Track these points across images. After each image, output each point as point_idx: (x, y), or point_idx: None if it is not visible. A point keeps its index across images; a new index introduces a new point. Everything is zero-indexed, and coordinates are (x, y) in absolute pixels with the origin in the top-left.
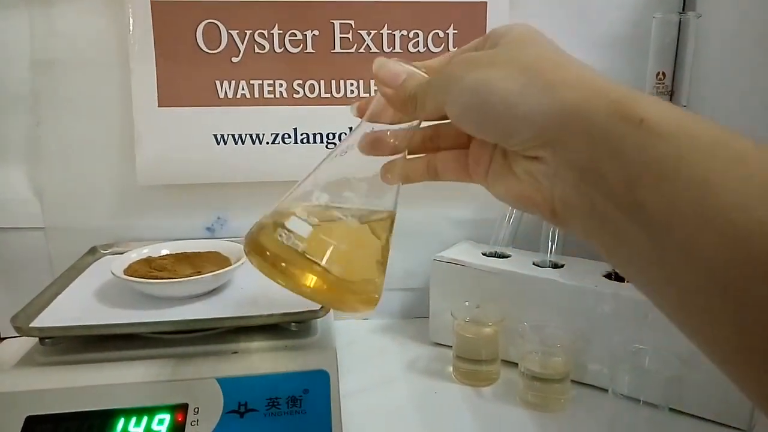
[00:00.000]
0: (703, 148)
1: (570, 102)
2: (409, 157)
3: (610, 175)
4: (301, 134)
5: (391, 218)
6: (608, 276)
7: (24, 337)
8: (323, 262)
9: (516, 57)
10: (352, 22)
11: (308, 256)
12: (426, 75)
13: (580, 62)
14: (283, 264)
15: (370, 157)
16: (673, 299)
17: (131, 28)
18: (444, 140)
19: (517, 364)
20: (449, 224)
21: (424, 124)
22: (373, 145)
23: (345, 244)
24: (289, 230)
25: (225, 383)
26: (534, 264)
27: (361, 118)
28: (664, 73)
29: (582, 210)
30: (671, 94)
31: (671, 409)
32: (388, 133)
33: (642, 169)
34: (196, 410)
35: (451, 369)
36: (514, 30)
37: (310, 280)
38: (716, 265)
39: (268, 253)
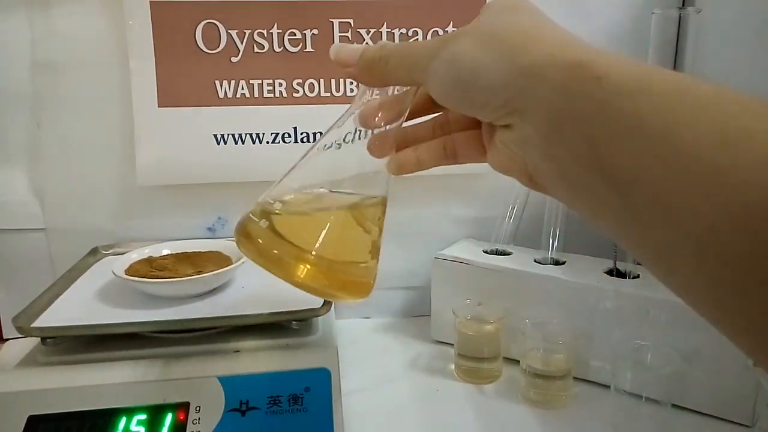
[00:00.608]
0: (664, 100)
1: (527, 67)
2: (423, 144)
3: (572, 137)
4: (301, 133)
5: (383, 204)
6: (610, 272)
7: (26, 338)
8: (313, 248)
9: (486, 26)
10: (351, 21)
11: (297, 243)
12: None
13: (555, 28)
14: (274, 251)
15: (359, 144)
16: (651, 255)
17: (130, 28)
18: (455, 125)
19: (518, 361)
20: (450, 222)
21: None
22: (365, 121)
23: (335, 231)
24: (283, 216)
25: (226, 382)
26: (535, 261)
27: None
28: None
29: (553, 175)
30: None
31: (674, 405)
32: (378, 104)
33: (603, 126)
34: (198, 409)
35: (452, 367)
36: (500, 0)
37: (301, 267)
38: (688, 218)
39: (260, 240)
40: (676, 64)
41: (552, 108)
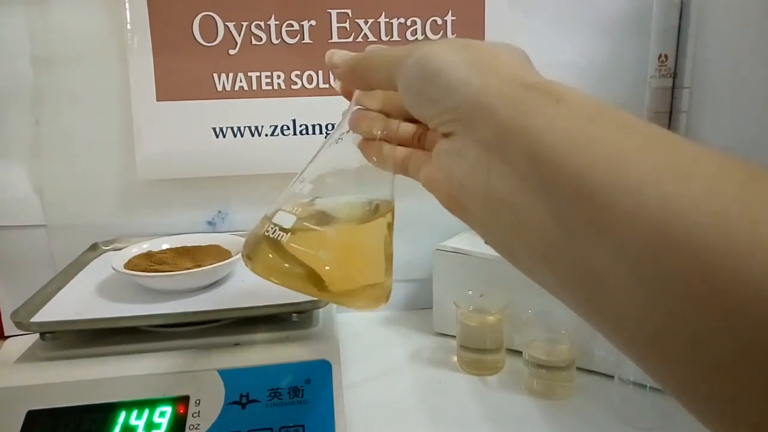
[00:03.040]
0: (615, 129)
1: (489, 77)
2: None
3: (515, 148)
4: (300, 125)
5: (392, 211)
6: None
7: (27, 335)
8: (325, 265)
9: (465, 40)
10: (349, 11)
11: (308, 260)
12: None
13: (527, 63)
14: (285, 266)
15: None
16: (577, 283)
17: (128, 22)
18: (429, 141)
19: (521, 352)
20: (451, 214)
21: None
22: (357, 124)
23: (347, 246)
24: (295, 232)
25: (226, 375)
26: None
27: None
28: (666, 56)
29: (478, 191)
30: (674, 76)
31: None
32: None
33: (551, 143)
34: (198, 402)
35: (455, 359)
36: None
37: (314, 284)
38: (624, 242)
39: (270, 256)
40: (678, 50)
41: (502, 119)
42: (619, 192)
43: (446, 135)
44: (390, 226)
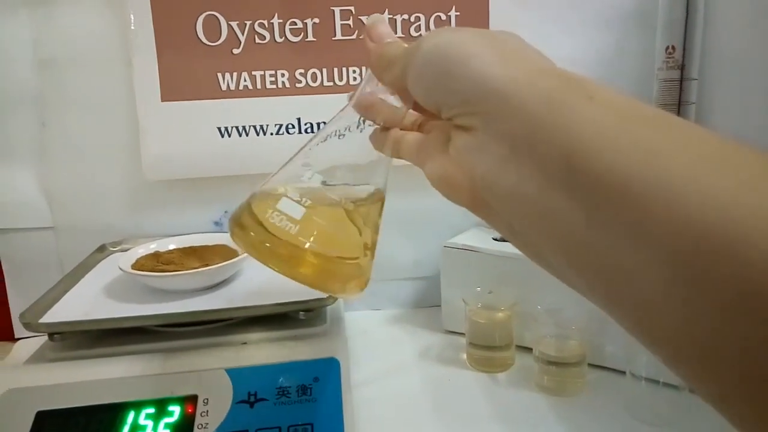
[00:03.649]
0: (649, 126)
1: (516, 69)
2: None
3: (546, 145)
4: (305, 124)
5: (381, 201)
6: None
7: (37, 338)
8: (305, 243)
9: (487, 32)
10: (352, 8)
11: (297, 237)
12: None
13: (540, 52)
14: (266, 245)
15: (360, 137)
16: (606, 282)
17: (131, 23)
18: (428, 128)
19: (531, 349)
20: (458, 211)
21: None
22: (367, 108)
23: (329, 226)
24: (280, 211)
25: (234, 374)
26: None
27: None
28: (673, 47)
29: (505, 188)
30: (682, 68)
31: (692, 390)
32: (382, 99)
33: (584, 140)
34: (206, 401)
35: (464, 356)
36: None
37: (293, 261)
38: (661, 239)
39: (252, 233)
40: (685, 41)
41: (533, 114)
42: (654, 188)
43: (464, 128)
44: (378, 214)
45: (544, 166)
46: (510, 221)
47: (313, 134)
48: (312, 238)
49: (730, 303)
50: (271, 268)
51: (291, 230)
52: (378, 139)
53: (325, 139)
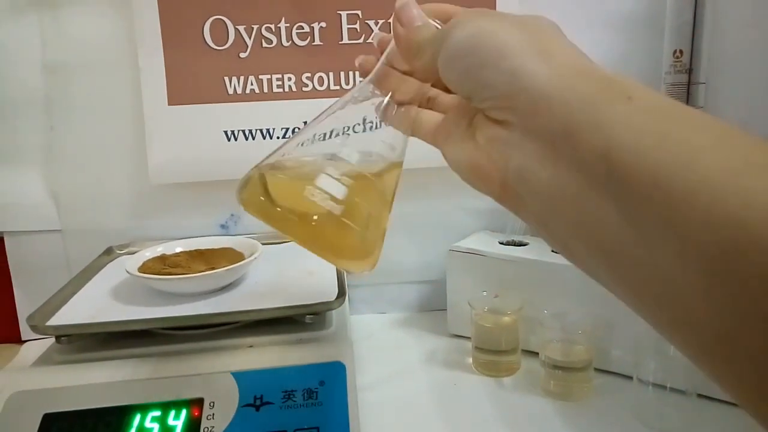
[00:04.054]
0: (687, 127)
1: (560, 70)
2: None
3: (586, 144)
4: None
5: (398, 170)
6: None
7: (44, 340)
8: (320, 207)
9: (524, 21)
10: (359, 12)
11: (303, 201)
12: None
13: (575, 46)
14: (278, 209)
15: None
16: (640, 280)
17: (139, 27)
18: (438, 104)
19: (537, 353)
20: (465, 214)
21: None
22: (383, 81)
23: (346, 192)
24: (318, 187)
25: (240, 377)
26: (553, 251)
27: (363, 76)
28: (681, 51)
29: (542, 182)
30: (689, 72)
31: (699, 395)
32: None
33: (623, 140)
34: (212, 404)
35: (470, 360)
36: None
37: (304, 225)
38: (700, 237)
39: (262, 198)
40: (693, 45)
41: (572, 113)
42: (694, 189)
43: (497, 121)
44: (394, 192)
45: (582, 164)
46: (541, 214)
47: (330, 105)
48: (326, 204)
49: (764, 299)
50: (277, 230)
51: (303, 195)
52: (392, 115)
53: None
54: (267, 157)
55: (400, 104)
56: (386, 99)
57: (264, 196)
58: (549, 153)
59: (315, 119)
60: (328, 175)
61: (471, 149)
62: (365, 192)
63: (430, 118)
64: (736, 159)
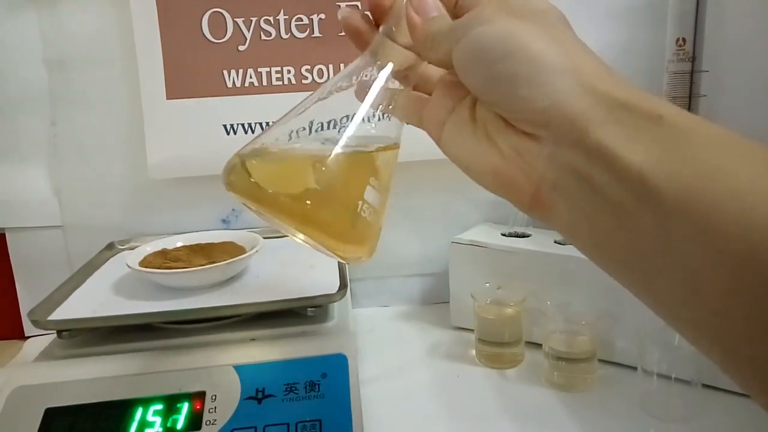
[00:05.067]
0: (714, 142)
1: (594, 90)
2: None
3: (623, 161)
4: (311, 121)
5: (395, 153)
6: None
7: (47, 336)
8: (313, 187)
9: (551, 23)
10: (358, 4)
11: (294, 183)
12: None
13: (592, 53)
14: (269, 191)
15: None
16: (672, 283)
17: (136, 21)
18: (423, 81)
19: (541, 344)
20: (467, 206)
21: None
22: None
23: (338, 173)
24: (309, 166)
25: (242, 370)
26: (555, 242)
27: (348, 33)
28: (684, 39)
29: (578, 195)
30: (692, 60)
31: (704, 386)
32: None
33: (658, 156)
34: (214, 398)
35: (473, 352)
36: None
37: (296, 207)
38: (729, 243)
39: (252, 179)
40: (696, 33)
41: (607, 134)
42: (724, 199)
43: (527, 133)
44: (390, 167)
45: (619, 179)
46: (573, 224)
47: (324, 85)
48: (319, 184)
49: None
50: (268, 215)
51: (294, 175)
52: (391, 101)
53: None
54: (252, 141)
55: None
56: (388, 72)
57: (254, 178)
58: (585, 168)
59: (302, 101)
60: (320, 155)
61: (495, 159)
62: (360, 171)
63: (434, 109)
64: (758, 171)
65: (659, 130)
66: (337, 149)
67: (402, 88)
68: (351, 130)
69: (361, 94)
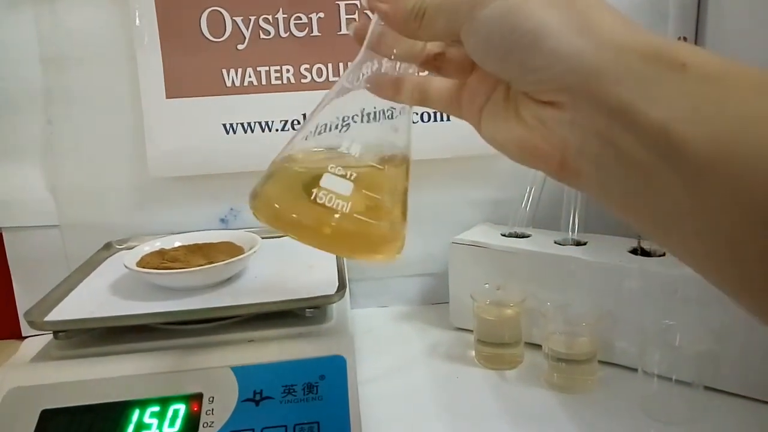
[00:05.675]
0: (747, 90)
1: (607, 45)
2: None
3: (645, 118)
4: None
5: (406, 161)
6: (634, 252)
7: (44, 336)
8: (336, 211)
9: None
10: (357, 2)
11: (317, 204)
12: None
13: (613, 7)
14: (293, 215)
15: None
16: (708, 251)
17: (136, 19)
18: (448, 64)
19: (541, 346)
20: (467, 206)
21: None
22: (379, 86)
23: (357, 190)
24: (328, 190)
25: (240, 372)
26: (555, 243)
27: (360, 44)
28: (685, 38)
29: (604, 158)
30: None
31: (706, 387)
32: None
33: (682, 110)
34: (211, 399)
35: (473, 353)
36: None
37: (323, 230)
38: (762, 207)
39: (276, 205)
40: (697, 32)
41: (626, 91)
42: (756, 156)
43: (547, 102)
44: (405, 176)
45: (642, 138)
46: (603, 186)
47: (326, 96)
48: (340, 204)
49: None
50: (296, 238)
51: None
52: (391, 86)
53: (342, 101)
54: (278, 156)
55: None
56: (383, 64)
57: (278, 203)
58: (607, 130)
59: (316, 107)
60: (332, 173)
61: (520, 130)
62: (374, 182)
63: (441, 84)
64: None
65: (684, 80)
66: (348, 162)
67: (424, 73)
68: (358, 138)
69: (377, 89)
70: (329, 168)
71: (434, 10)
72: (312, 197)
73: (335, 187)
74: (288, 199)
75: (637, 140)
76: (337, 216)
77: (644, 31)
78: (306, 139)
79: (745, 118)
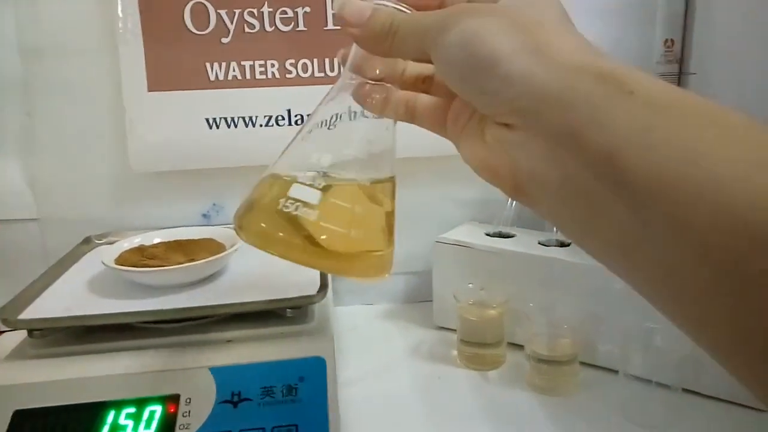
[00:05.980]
0: (694, 120)
1: (555, 70)
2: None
3: (590, 144)
4: (295, 115)
5: (392, 182)
6: None
7: (19, 331)
8: (322, 231)
9: (516, 14)
10: None
11: (303, 226)
12: (408, 11)
13: (578, 33)
14: (279, 234)
15: (355, 124)
16: (654, 279)
17: (118, 11)
18: (436, 85)
19: (523, 346)
20: (451, 205)
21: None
22: (363, 99)
23: (345, 210)
24: (295, 199)
25: (218, 372)
26: (539, 243)
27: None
28: (672, 41)
29: (552, 183)
30: (680, 62)
31: (685, 390)
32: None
33: (628, 138)
34: (188, 401)
35: (455, 353)
36: None
37: (310, 251)
38: (708, 239)
39: (263, 224)
40: (684, 35)
41: (574, 115)
42: (700, 188)
43: (502, 123)
44: (391, 197)
45: (588, 163)
46: (554, 212)
47: (308, 119)
48: (327, 225)
49: None
50: (283, 258)
51: (309, 216)
52: (377, 101)
53: (320, 127)
54: (266, 173)
55: (382, 86)
56: (368, 83)
57: (264, 222)
58: (555, 154)
59: (308, 118)
60: (301, 183)
61: (481, 148)
62: (351, 195)
63: (428, 103)
64: (745, 155)
65: (631, 107)
66: (330, 180)
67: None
68: (339, 154)
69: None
70: (298, 179)
71: (405, 31)
72: (279, 207)
73: (304, 197)
74: (274, 218)
75: (584, 166)
76: (318, 239)
77: (601, 56)
78: (290, 158)
79: (689, 149)
